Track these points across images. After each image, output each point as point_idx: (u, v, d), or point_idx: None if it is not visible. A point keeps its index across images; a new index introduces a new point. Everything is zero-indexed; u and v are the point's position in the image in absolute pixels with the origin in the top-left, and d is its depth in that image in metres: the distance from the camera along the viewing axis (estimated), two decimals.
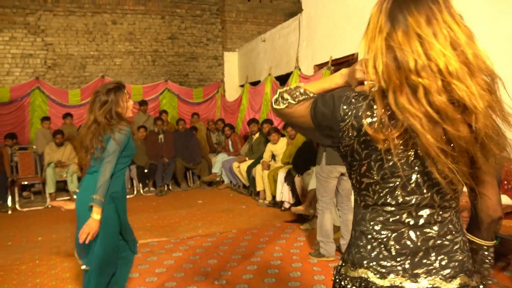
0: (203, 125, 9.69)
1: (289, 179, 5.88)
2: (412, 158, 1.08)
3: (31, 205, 7.22)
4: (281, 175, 6.06)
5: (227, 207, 6.57)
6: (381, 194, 1.13)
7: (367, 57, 1.11)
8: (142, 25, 9.93)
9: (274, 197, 6.39)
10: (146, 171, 7.90)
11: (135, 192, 7.78)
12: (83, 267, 2.58)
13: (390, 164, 1.09)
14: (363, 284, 1.14)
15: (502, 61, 3.85)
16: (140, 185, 7.92)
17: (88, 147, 2.50)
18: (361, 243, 1.17)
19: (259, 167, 6.84)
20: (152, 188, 8.01)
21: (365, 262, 1.15)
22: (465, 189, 1.19)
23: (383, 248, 1.13)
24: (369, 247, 1.15)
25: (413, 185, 1.10)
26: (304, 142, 5.82)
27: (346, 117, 1.12)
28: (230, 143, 8.70)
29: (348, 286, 1.18)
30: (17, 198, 7.02)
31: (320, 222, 4.14)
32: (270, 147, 6.93)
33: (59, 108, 8.94)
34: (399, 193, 1.11)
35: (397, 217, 1.13)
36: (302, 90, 1.21)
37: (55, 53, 9.21)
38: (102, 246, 2.50)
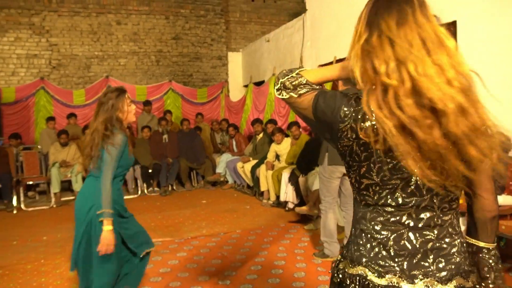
0: (207, 125, 9.70)
1: (293, 179, 5.87)
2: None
3: (36, 204, 7.26)
4: (285, 175, 6.05)
5: (231, 207, 6.57)
6: (382, 195, 1.13)
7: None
8: (146, 26, 9.95)
9: (278, 197, 6.39)
10: (150, 171, 7.91)
11: (139, 192, 7.78)
12: (71, 271, 2.63)
13: (390, 166, 1.09)
14: (361, 281, 1.15)
15: (502, 61, 3.85)
16: (144, 185, 7.93)
17: (89, 154, 2.54)
18: (361, 242, 1.18)
19: (263, 167, 6.84)
20: (156, 188, 8.01)
21: (364, 260, 1.16)
22: None
23: (382, 248, 1.14)
24: (368, 246, 1.16)
25: (412, 187, 1.10)
26: (308, 142, 5.81)
27: (346, 118, 1.13)
28: (234, 143, 8.70)
29: (347, 282, 1.19)
30: (22, 198, 7.06)
31: (324, 222, 4.14)
32: (274, 147, 6.92)
33: (64, 108, 8.99)
34: (399, 194, 1.12)
35: (397, 218, 1.13)
36: (304, 80, 1.20)
37: (60, 54, 9.25)
38: (100, 264, 2.52)
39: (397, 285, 1.10)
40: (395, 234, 1.13)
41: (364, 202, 1.18)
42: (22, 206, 6.96)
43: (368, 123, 1.08)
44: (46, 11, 9.06)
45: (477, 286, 1.17)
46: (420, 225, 1.12)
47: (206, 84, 10.65)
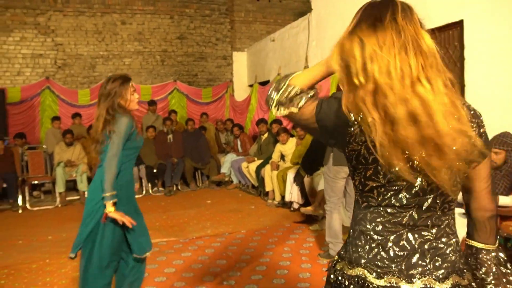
0: (212, 125, 9.69)
1: (298, 180, 5.85)
2: (417, 162, 1.07)
3: (41, 204, 7.28)
4: (290, 175, 6.03)
5: (236, 207, 6.56)
6: (386, 196, 1.13)
7: None
8: (151, 25, 9.96)
9: (283, 197, 6.37)
10: (155, 171, 7.93)
11: (144, 192, 7.80)
12: (70, 255, 2.70)
13: (397, 168, 1.08)
14: (360, 282, 1.15)
15: (510, 60, 3.82)
16: (149, 185, 7.95)
17: (98, 139, 2.54)
18: (360, 243, 1.18)
19: (268, 167, 6.82)
20: (161, 188, 8.02)
21: (363, 261, 1.16)
22: None
23: (381, 249, 1.14)
24: (367, 247, 1.16)
25: (417, 188, 1.10)
26: (313, 142, 5.79)
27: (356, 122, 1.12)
28: (239, 143, 8.69)
29: (346, 283, 1.19)
30: (27, 197, 7.08)
31: (329, 222, 4.11)
32: (279, 147, 6.90)
33: (69, 108, 9.01)
34: (403, 195, 1.12)
35: (398, 218, 1.13)
36: (298, 90, 1.17)
37: (65, 53, 9.28)
38: (98, 255, 2.56)
39: (396, 285, 1.11)
40: (395, 235, 1.13)
41: (366, 203, 1.18)
42: (27, 205, 6.99)
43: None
44: (52, 11, 9.09)
45: (473, 283, 1.16)
46: (420, 226, 1.13)
47: (211, 83, 10.65)
